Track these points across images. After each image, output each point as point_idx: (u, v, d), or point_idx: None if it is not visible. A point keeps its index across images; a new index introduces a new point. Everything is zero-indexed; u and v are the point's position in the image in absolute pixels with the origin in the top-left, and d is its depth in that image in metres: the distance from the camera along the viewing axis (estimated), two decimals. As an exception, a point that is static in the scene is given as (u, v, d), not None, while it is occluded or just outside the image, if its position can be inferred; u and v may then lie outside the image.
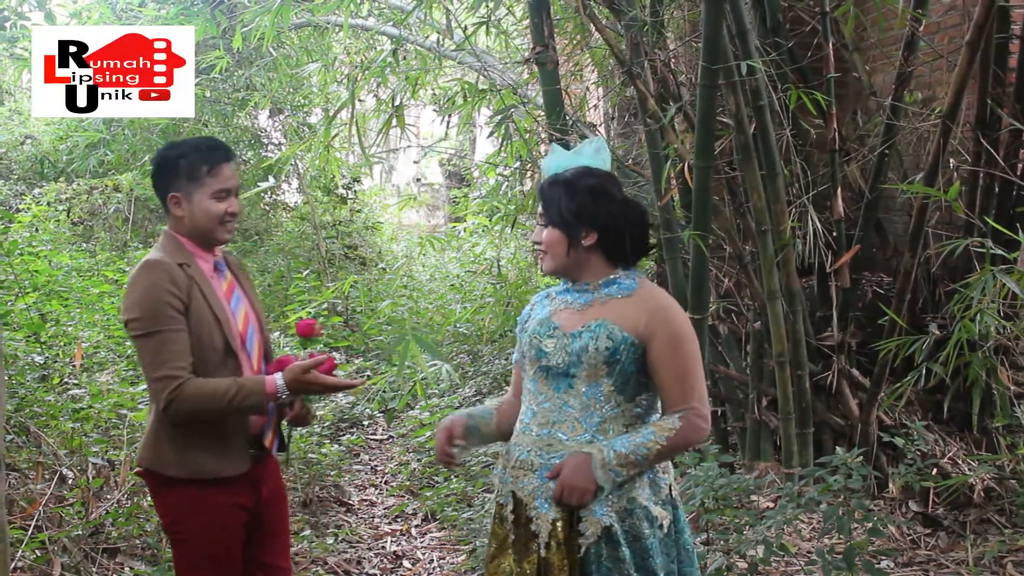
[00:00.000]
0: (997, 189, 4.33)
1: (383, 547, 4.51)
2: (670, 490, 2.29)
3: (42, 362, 4.79)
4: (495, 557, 2.31)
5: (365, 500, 5.27)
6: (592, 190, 2.27)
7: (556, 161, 2.37)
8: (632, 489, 2.21)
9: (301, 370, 2.47)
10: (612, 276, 2.30)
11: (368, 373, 6.82)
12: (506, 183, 6.59)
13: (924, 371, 3.94)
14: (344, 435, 6.31)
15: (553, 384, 2.28)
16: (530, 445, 2.30)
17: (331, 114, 7.11)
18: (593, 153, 2.36)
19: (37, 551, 3.55)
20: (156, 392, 2.36)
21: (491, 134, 5.40)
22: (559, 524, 2.21)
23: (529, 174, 6.31)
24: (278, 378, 2.45)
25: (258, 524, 2.62)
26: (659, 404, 2.30)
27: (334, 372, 2.56)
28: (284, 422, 2.71)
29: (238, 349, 2.52)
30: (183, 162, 2.49)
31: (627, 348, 2.21)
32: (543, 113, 4.75)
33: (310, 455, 5.09)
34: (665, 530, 2.23)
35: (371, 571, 4.24)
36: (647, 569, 2.18)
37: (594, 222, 2.27)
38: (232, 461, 2.49)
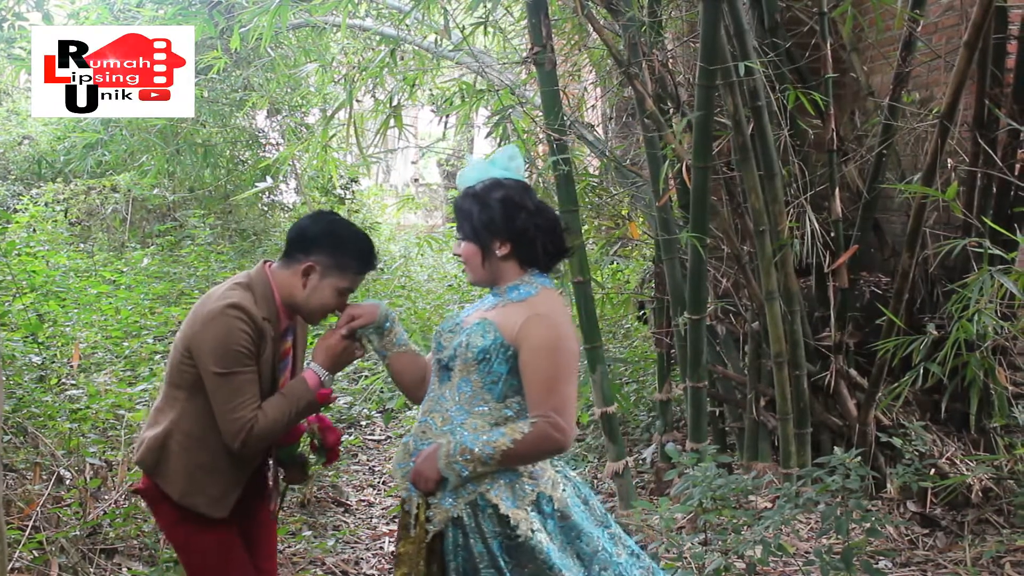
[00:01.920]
0: (995, 189, 4.33)
1: (381, 547, 4.51)
2: (550, 502, 2.29)
3: (40, 363, 4.78)
4: (401, 539, 2.38)
5: (363, 500, 5.26)
6: (502, 201, 2.34)
7: (470, 173, 2.43)
8: (482, 485, 2.25)
9: (328, 340, 2.50)
10: (517, 281, 2.37)
11: (366, 373, 6.82)
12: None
13: (922, 371, 3.94)
14: (344, 436, 6.31)
15: (440, 376, 2.39)
16: (414, 431, 2.41)
17: (329, 114, 7.11)
18: (507, 161, 2.42)
19: (35, 552, 3.55)
20: (230, 433, 2.38)
21: (489, 134, 5.40)
22: (421, 507, 2.31)
23: (527, 175, 6.30)
24: (315, 369, 2.48)
25: (248, 526, 2.65)
26: None
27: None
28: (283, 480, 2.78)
29: None
30: (345, 248, 2.50)
31: (497, 349, 2.28)
32: (541, 113, 4.75)
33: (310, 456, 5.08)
34: (523, 535, 2.22)
35: (369, 571, 4.24)
36: (496, 567, 2.23)
37: (506, 233, 2.34)
38: (218, 507, 2.51)
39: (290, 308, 2.53)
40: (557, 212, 2.48)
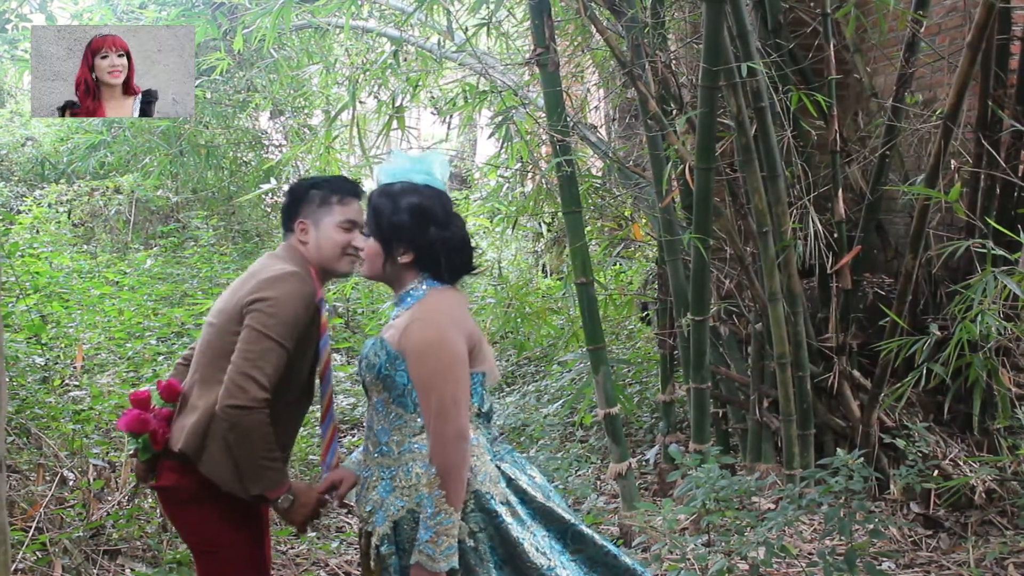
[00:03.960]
0: (998, 190, 4.33)
1: (384, 549, 4.50)
2: (485, 501, 2.25)
3: (43, 364, 4.79)
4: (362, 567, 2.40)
5: (366, 502, 5.26)
6: (414, 210, 2.31)
7: (391, 169, 2.39)
8: (411, 501, 2.23)
9: (308, 495, 2.52)
10: (410, 287, 2.35)
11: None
12: (507, 184, 6.59)
13: (925, 372, 3.94)
14: (345, 436, 6.31)
15: (367, 401, 2.38)
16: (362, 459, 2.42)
17: (332, 116, 7.11)
18: (431, 167, 2.38)
19: (38, 553, 3.56)
20: (235, 387, 2.35)
21: (491, 135, 5.40)
22: (364, 536, 2.33)
23: (530, 176, 6.31)
24: (286, 495, 2.47)
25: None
26: None
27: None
28: None
29: (314, 386, 2.64)
30: (314, 191, 2.58)
31: (393, 363, 2.26)
32: (544, 115, 4.75)
33: (311, 456, 5.09)
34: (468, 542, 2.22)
35: (372, 573, 4.23)
36: None
37: (411, 242, 2.32)
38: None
39: (318, 273, 2.57)
40: (467, 228, 2.45)
